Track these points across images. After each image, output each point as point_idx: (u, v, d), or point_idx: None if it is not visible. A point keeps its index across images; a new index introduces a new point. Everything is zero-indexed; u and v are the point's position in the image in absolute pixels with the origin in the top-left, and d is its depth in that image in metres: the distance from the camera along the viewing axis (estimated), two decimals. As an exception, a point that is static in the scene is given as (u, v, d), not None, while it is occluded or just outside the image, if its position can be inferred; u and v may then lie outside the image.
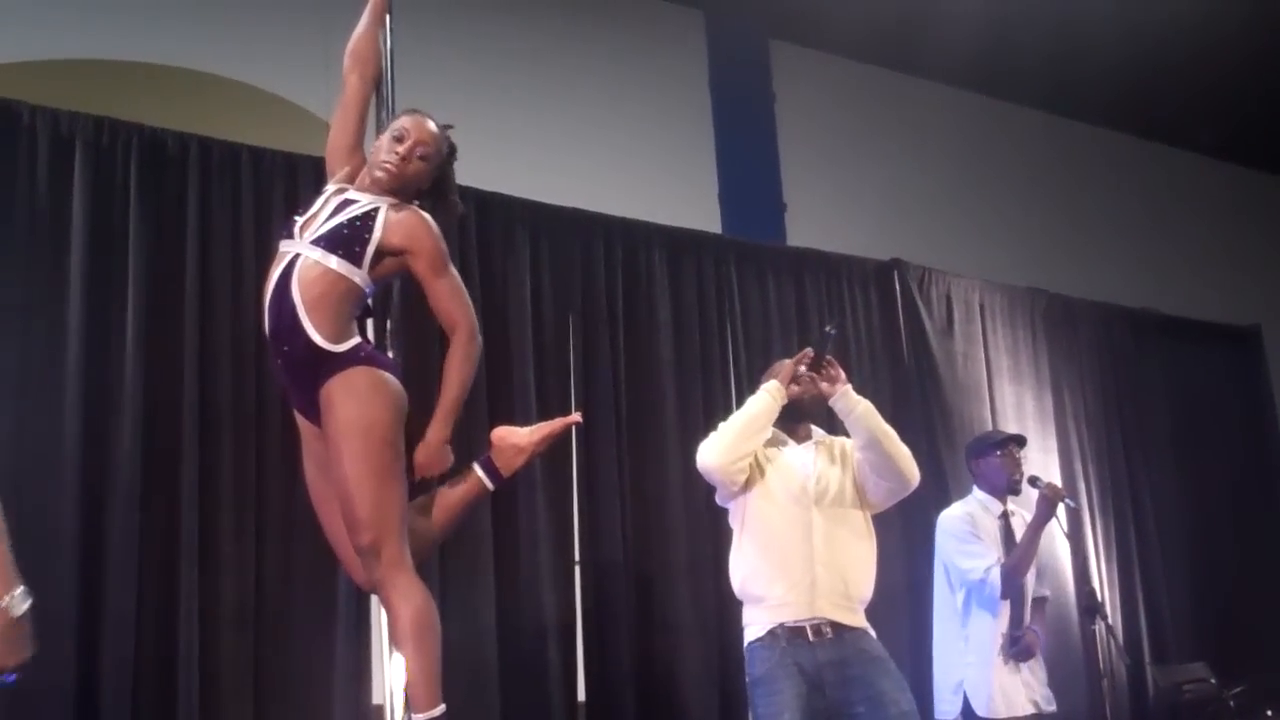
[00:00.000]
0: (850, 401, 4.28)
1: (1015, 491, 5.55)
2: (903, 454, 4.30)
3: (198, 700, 4.90)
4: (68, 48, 5.57)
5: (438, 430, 3.43)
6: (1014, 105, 8.70)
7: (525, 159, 6.53)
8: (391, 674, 3.53)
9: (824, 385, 4.31)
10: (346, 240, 3.39)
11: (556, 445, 5.84)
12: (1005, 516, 5.50)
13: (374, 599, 3.53)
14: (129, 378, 5.03)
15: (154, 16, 5.80)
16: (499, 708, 5.51)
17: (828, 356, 4.34)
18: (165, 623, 4.94)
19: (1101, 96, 8.59)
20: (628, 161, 6.94)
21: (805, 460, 4.33)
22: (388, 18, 3.97)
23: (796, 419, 4.39)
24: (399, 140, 3.54)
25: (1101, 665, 6.23)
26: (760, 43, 7.69)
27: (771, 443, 4.37)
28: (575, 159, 6.75)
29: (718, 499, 4.44)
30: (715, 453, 4.24)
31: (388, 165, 3.51)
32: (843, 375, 4.33)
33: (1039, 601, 5.51)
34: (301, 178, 5.62)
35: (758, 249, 7.04)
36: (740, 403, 4.62)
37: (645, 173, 6.97)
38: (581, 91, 6.93)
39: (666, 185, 7.02)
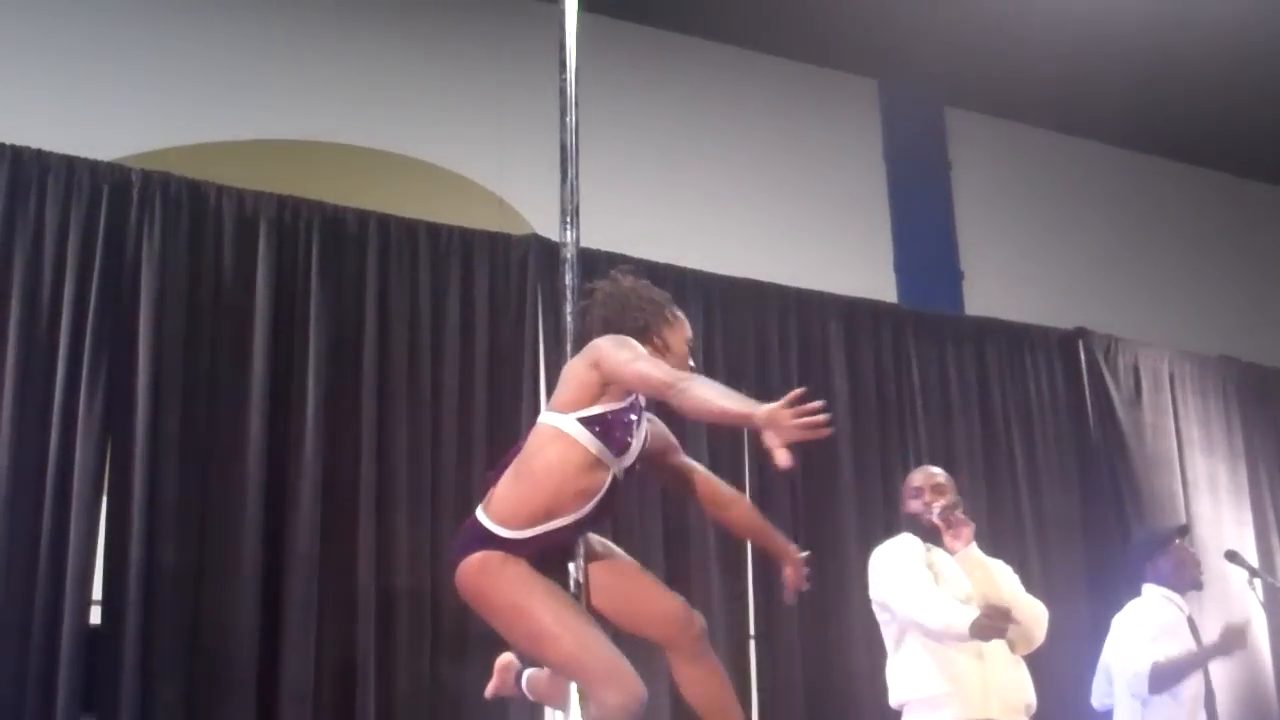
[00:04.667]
0: (970, 565, 4.25)
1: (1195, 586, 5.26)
2: (1026, 618, 4.20)
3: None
4: (252, 129, 5.75)
5: None
6: (1197, 168, 8.41)
7: (698, 229, 6.52)
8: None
9: (948, 539, 4.28)
10: None
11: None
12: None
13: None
14: (308, 449, 5.14)
15: (334, 98, 5.98)
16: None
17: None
18: (344, 695, 4.98)
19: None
20: (801, 231, 6.86)
21: (961, 571, 4.29)
22: (571, 91, 3.62)
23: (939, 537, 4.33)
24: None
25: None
26: (934, 109, 7.58)
27: (934, 550, 4.32)
28: (748, 228, 6.70)
29: (877, 601, 4.33)
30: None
31: None
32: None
33: None
34: (477, 253, 5.70)
35: (936, 318, 6.88)
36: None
37: (819, 242, 6.89)
38: (754, 160, 6.89)
39: (841, 255, 6.92)
